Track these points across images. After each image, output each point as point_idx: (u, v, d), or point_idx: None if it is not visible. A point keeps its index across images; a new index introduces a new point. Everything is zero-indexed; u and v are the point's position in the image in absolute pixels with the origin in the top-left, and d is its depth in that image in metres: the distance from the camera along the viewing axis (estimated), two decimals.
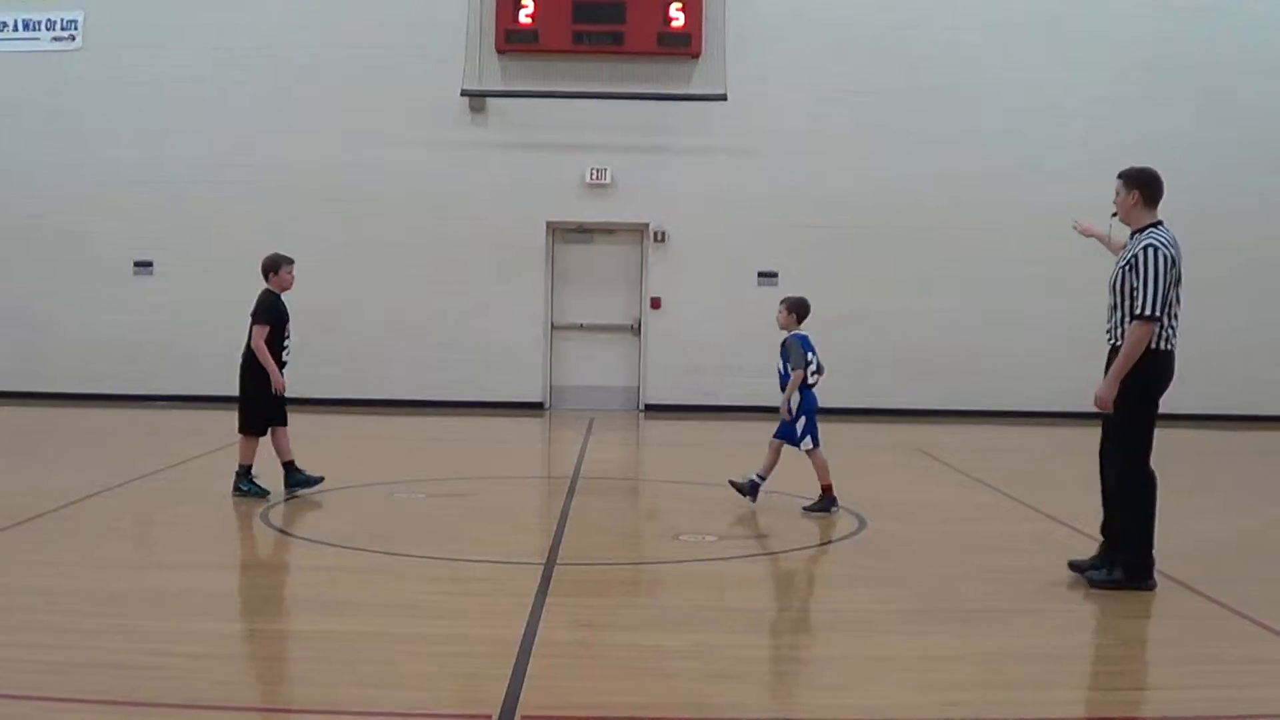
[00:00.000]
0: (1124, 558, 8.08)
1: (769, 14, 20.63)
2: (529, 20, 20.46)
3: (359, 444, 16.84)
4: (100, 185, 20.83)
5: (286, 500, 11.26)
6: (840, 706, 5.94)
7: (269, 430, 11.62)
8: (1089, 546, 8.79)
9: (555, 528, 10.45)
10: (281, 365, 11.54)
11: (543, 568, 8.69)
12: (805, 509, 10.98)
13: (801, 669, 6.45)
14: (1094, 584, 8.11)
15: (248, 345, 11.49)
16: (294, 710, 5.67)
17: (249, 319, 11.48)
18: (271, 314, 11.47)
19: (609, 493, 13.16)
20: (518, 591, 8.01)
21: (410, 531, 10.60)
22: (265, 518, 10.30)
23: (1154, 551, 8.07)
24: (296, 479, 11.62)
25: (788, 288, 20.85)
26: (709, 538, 10.03)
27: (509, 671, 6.16)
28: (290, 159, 20.81)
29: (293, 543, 9.51)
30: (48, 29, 21.27)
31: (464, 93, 20.45)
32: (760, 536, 10.10)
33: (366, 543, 9.40)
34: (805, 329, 11.18)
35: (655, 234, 21.18)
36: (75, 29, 21.23)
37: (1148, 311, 7.76)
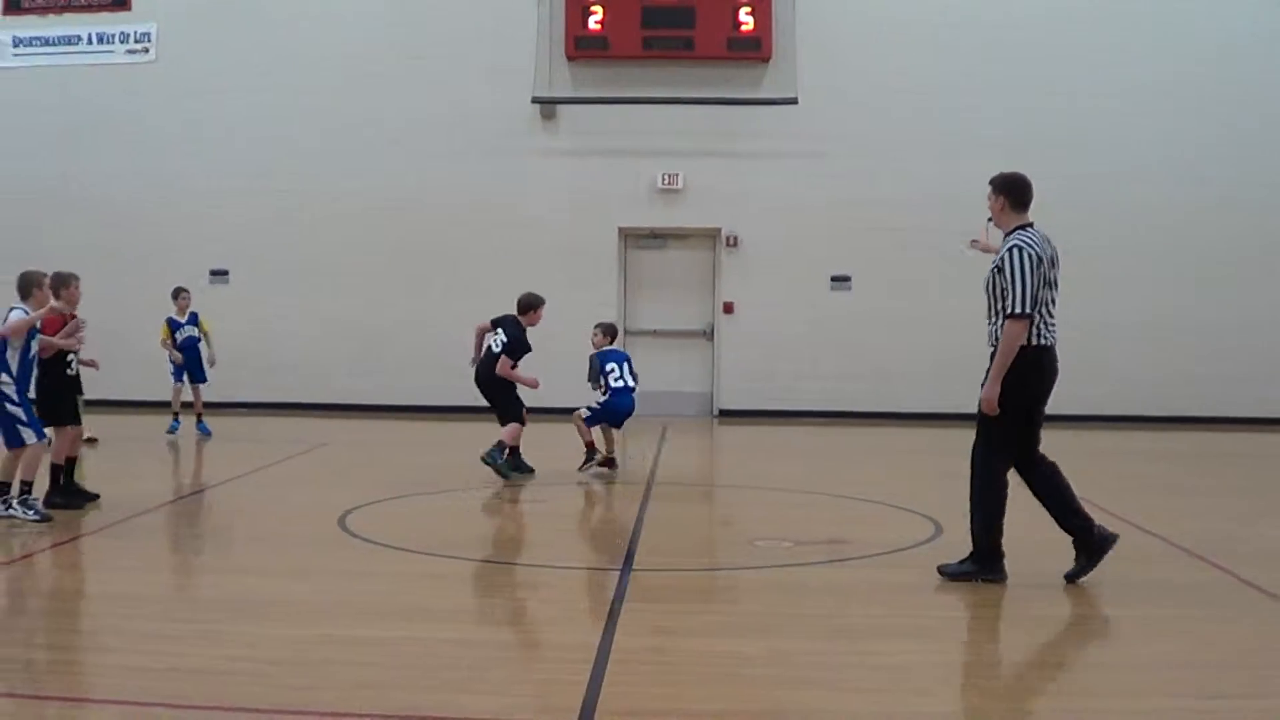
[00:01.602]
0: (974, 548, 8.35)
1: (839, 16, 20.52)
2: (598, 27, 20.47)
3: (435, 449, 16.92)
4: (176, 195, 21.13)
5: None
6: (920, 713, 5.88)
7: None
8: (1163, 551, 8.66)
9: (631, 533, 10.43)
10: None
11: (619, 573, 8.67)
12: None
13: (880, 675, 6.38)
14: (947, 575, 8.37)
15: (492, 360, 13.47)
16: (373, 715, 5.68)
17: (506, 340, 13.51)
18: (523, 350, 13.69)
19: (684, 499, 13.13)
20: (594, 597, 8.01)
21: (487, 537, 10.64)
22: (343, 524, 10.35)
23: (1003, 542, 8.31)
24: (518, 465, 13.53)
25: (861, 291, 20.88)
26: (785, 543, 9.97)
27: (587, 677, 6.15)
28: (364, 169, 20.99)
29: (370, 548, 9.55)
30: (121, 41, 21.57)
31: (535, 100, 20.52)
32: (836, 542, 10.01)
33: (444, 548, 9.42)
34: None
35: (727, 239, 21.14)
36: (149, 41, 21.51)
37: (1018, 309, 7.98)
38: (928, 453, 16.50)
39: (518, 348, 13.58)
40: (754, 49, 20.51)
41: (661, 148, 21.00)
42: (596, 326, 14.38)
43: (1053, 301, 8.18)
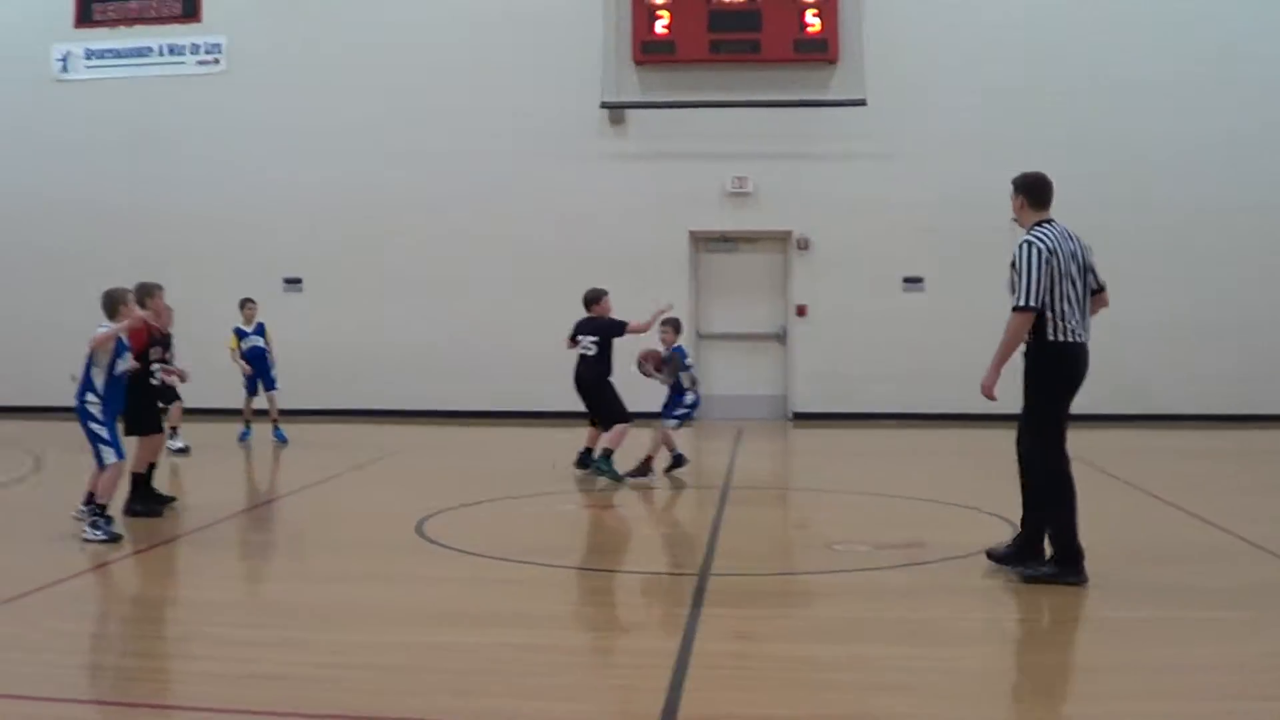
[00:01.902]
0: (1054, 551, 8.33)
1: (906, 17, 20.38)
2: (665, 31, 20.46)
3: (509, 455, 16.95)
4: (247, 205, 21.35)
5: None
6: (999, 718, 5.82)
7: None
8: (1250, 555, 8.50)
9: (708, 538, 10.41)
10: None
11: (696, 578, 8.65)
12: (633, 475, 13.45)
13: (960, 680, 6.32)
14: (1026, 579, 8.30)
15: (590, 363, 14.03)
16: None
17: (597, 336, 13.97)
18: (616, 326, 14.07)
19: (760, 503, 13.09)
20: (673, 602, 7.98)
21: (563, 542, 10.63)
22: (420, 530, 10.39)
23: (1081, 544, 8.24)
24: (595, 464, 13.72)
25: (934, 293, 20.71)
26: (862, 547, 9.92)
27: (666, 683, 6.12)
28: (432, 176, 21.12)
29: (448, 555, 9.58)
30: (192, 53, 21.82)
31: (604, 105, 20.56)
32: (913, 545, 9.94)
33: (520, 554, 9.43)
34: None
35: (798, 241, 21.06)
36: (219, 53, 21.75)
37: (1021, 302, 8.32)
38: (1003, 454, 16.30)
39: (611, 326, 14.04)
40: (821, 50, 20.41)
41: (730, 151, 20.94)
42: (665, 323, 14.03)
43: (1076, 297, 8.38)
